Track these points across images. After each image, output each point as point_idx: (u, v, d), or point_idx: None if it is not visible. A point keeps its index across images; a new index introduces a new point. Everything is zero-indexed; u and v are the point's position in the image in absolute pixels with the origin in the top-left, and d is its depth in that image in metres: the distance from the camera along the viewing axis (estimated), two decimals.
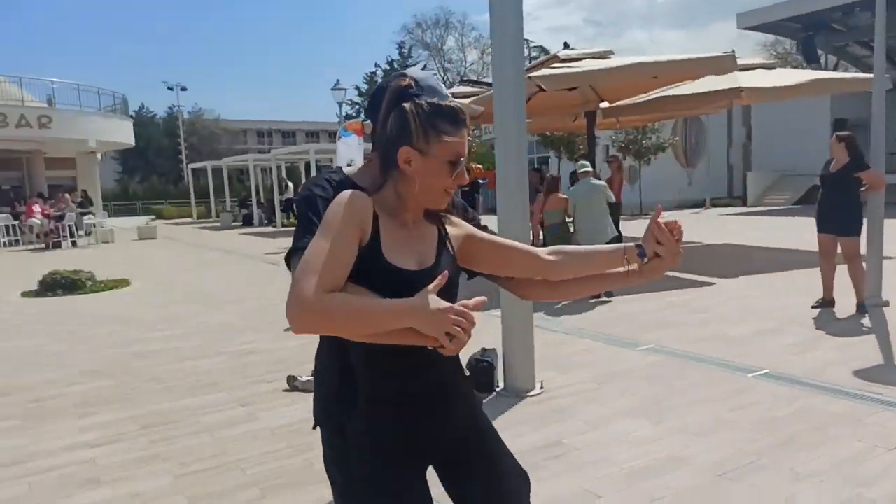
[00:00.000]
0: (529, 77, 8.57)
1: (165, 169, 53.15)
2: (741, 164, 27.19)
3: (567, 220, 8.39)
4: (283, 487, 3.08)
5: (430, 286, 1.28)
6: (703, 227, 16.20)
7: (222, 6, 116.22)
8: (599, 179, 9.77)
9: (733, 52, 10.06)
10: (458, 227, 1.52)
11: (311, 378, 4.48)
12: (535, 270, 1.56)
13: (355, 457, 1.47)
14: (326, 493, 3.10)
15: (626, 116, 13.35)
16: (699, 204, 24.41)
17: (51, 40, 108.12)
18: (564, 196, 8.28)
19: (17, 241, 18.91)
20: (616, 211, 10.82)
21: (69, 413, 4.24)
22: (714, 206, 24.24)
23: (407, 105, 1.36)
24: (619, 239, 10.78)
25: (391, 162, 1.37)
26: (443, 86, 1.58)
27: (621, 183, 10.73)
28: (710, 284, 7.98)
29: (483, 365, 4.28)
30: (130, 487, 3.13)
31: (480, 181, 22.35)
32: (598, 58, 10.02)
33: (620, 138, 21.68)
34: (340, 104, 18.49)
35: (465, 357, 4.52)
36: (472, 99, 10.93)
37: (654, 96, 11.67)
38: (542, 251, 1.56)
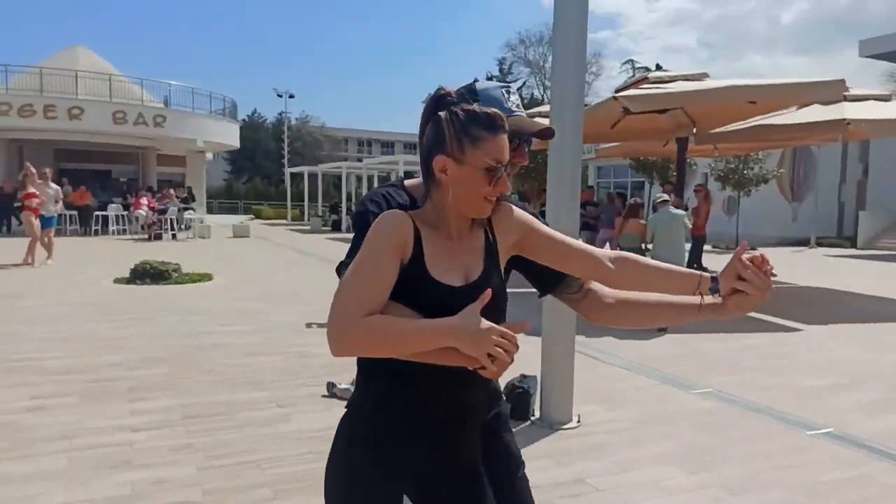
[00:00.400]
0: (615, 97, 8.39)
1: (270, 171, 55.82)
2: (854, 202, 25.43)
3: (643, 246, 8.16)
4: (296, 491, 3.10)
5: (475, 304, 1.25)
6: (804, 267, 15.21)
7: (335, 21, 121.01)
8: (684, 209, 9.43)
9: (842, 80, 9.43)
10: (511, 223, 1.45)
11: (349, 386, 4.53)
12: (594, 273, 1.47)
13: (345, 449, 1.43)
14: None
15: (722, 144, 12.79)
16: (803, 242, 22.98)
17: (178, 45, 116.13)
18: (643, 222, 8.06)
19: (125, 231, 20.36)
20: (699, 243, 10.41)
21: (123, 396, 4.47)
22: (819, 245, 22.74)
23: (442, 113, 1.34)
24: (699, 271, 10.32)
25: (430, 172, 1.36)
26: (512, 98, 1.53)
27: (708, 214, 10.30)
28: (795, 330, 7.46)
29: (519, 391, 4.17)
30: (157, 473, 3.25)
31: (584, 203, 22.04)
32: (692, 80, 9.63)
33: (720, 167, 20.78)
34: None
35: (502, 382, 4.42)
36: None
37: (751, 124, 11.13)
38: (605, 255, 1.45)
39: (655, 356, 5.98)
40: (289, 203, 34.22)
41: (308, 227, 26.86)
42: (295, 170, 33.39)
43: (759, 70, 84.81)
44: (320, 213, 29.12)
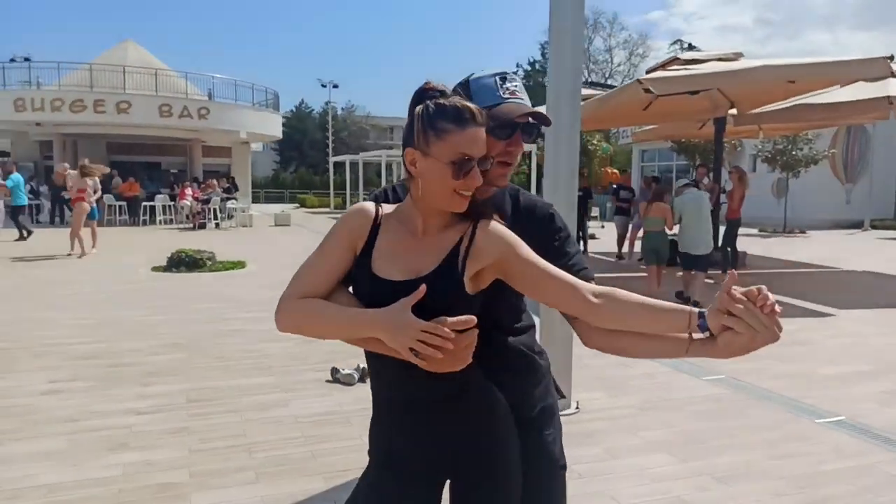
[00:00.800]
0: (639, 80, 8.18)
1: (315, 161, 56.62)
2: None
3: (667, 231, 7.99)
4: (279, 475, 3.16)
5: (406, 298, 1.26)
6: (852, 250, 14.62)
7: (376, 8, 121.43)
8: (721, 192, 9.21)
9: (891, 56, 8.98)
10: (493, 240, 1.35)
11: (352, 372, 4.58)
12: (573, 308, 1.35)
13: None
14: (317, 485, 3.17)
15: (765, 124, 12.37)
16: (857, 225, 22.10)
17: (225, 38, 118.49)
18: (666, 206, 7.89)
19: (171, 220, 20.98)
20: (734, 226, 10.09)
21: (136, 380, 4.61)
22: (874, 227, 21.81)
23: (418, 107, 1.35)
24: (734, 255, 10.00)
25: (405, 165, 1.38)
26: (507, 85, 1.47)
27: (742, 197, 9.97)
28: (826, 315, 7.19)
29: None
30: (149, 455, 3.35)
31: (618, 187, 21.71)
32: (725, 60, 9.30)
33: (768, 148, 20.08)
34: None
35: None
36: (597, 97, 10.58)
37: (792, 103, 10.71)
38: (588, 289, 1.33)
39: None
40: (331, 191, 34.65)
41: None
42: (337, 159, 33.78)
43: (819, 48, 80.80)
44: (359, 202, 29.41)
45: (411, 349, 1.25)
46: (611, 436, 3.69)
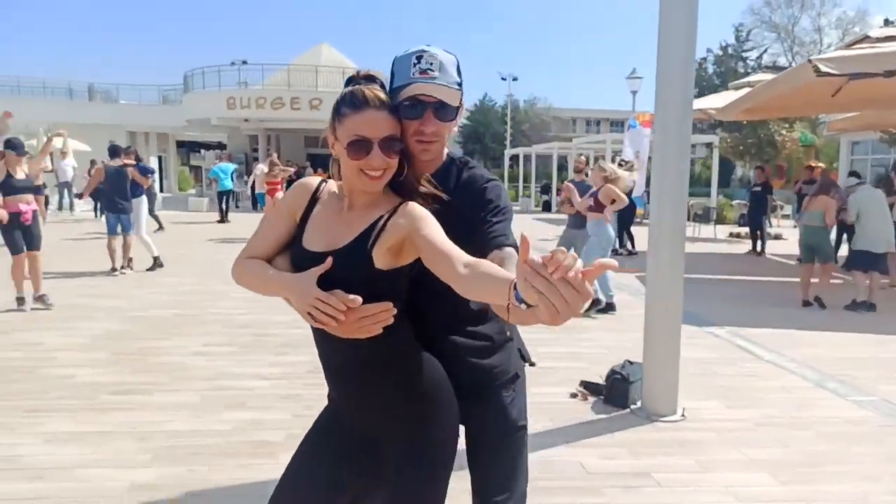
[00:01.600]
0: (810, 60, 7.31)
1: (497, 153, 57.48)
2: None
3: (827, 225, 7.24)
4: None
5: (315, 269, 1.40)
6: None
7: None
8: None
9: None
10: (406, 219, 1.43)
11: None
12: (449, 280, 1.34)
13: None
14: None
15: None
16: None
17: (416, 36, 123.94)
18: (831, 199, 7.14)
19: None
20: None
21: (271, 350, 5.11)
22: None
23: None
24: None
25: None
26: (422, 64, 1.47)
27: None
28: None
29: (616, 377, 3.98)
30: (258, 416, 3.73)
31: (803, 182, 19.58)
32: None
33: None
34: (634, 93, 17.82)
35: (606, 367, 4.26)
36: (763, 82, 9.64)
37: None
38: (461, 261, 1.32)
39: (827, 357, 5.22)
40: (505, 183, 34.99)
41: (518, 208, 27.31)
42: (513, 151, 34.04)
43: None
44: (530, 194, 29.39)
45: (310, 314, 1.37)
46: (710, 448, 3.43)
